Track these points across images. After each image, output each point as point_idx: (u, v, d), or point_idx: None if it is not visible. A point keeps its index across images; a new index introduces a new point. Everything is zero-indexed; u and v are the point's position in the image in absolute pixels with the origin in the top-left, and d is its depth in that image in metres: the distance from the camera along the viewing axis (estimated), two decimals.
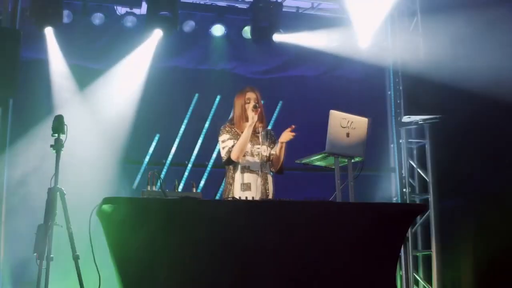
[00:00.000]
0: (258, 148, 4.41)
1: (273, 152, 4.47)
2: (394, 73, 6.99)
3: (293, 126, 4.26)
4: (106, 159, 6.13)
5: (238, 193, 4.30)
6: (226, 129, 4.44)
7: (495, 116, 6.21)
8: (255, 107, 4.31)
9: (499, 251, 6.68)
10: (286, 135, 4.29)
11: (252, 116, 4.30)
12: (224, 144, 4.37)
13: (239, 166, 4.37)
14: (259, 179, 4.36)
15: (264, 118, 4.51)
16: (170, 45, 6.51)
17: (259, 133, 4.45)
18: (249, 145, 4.37)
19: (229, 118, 4.58)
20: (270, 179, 4.46)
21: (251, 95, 4.42)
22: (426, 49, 6.73)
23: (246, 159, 4.37)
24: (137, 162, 6.41)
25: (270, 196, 4.38)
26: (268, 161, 4.45)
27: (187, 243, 3.39)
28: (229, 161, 4.34)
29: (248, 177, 4.35)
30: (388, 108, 7.11)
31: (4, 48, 5.49)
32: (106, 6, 6.43)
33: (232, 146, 4.32)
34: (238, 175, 4.36)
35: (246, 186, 4.32)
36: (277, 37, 6.70)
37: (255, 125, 4.37)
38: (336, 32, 6.94)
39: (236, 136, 4.37)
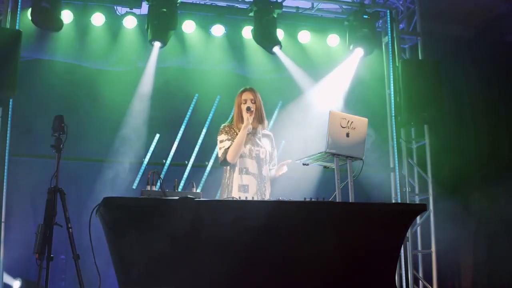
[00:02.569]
0: (257, 150, 4.41)
1: (271, 173, 4.52)
2: (394, 72, 6.99)
3: (289, 161, 4.40)
4: (106, 159, 6.13)
5: (236, 194, 4.30)
6: (225, 129, 4.43)
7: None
8: (248, 109, 4.31)
9: (498, 250, 6.70)
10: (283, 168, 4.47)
11: (247, 118, 4.29)
12: (222, 144, 4.36)
13: (237, 168, 4.37)
14: (257, 181, 4.36)
15: (264, 119, 4.50)
16: (170, 45, 6.50)
17: (259, 133, 4.45)
18: (248, 147, 4.37)
19: (230, 117, 4.58)
20: (268, 180, 4.46)
21: (247, 96, 4.40)
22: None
23: (245, 161, 4.37)
24: (137, 162, 6.41)
25: (267, 198, 4.38)
26: (266, 164, 4.46)
27: (186, 243, 3.40)
28: (226, 162, 4.35)
29: (246, 179, 4.35)
30: (388, 108, 7.10)
31: (4, 48, 5.49)
32: (106, 6, 6.43)
33: (229, 147, 4.32)
34: (236, 176, 4.36)
35: (244, 188, 4.32)
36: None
37: (254, 126, 4.37)
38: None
39: (234, 137, 4.36)
